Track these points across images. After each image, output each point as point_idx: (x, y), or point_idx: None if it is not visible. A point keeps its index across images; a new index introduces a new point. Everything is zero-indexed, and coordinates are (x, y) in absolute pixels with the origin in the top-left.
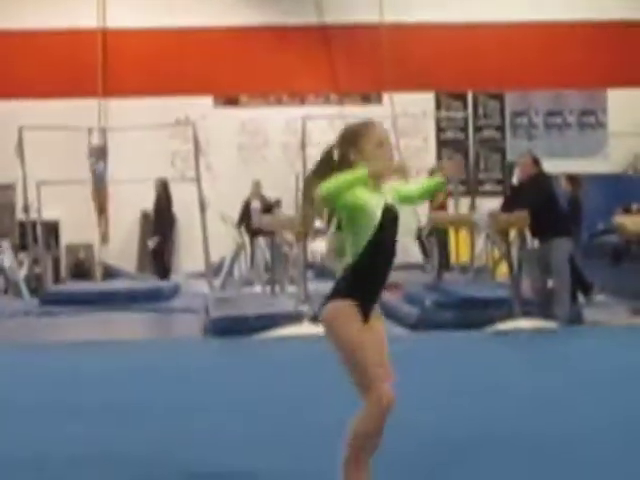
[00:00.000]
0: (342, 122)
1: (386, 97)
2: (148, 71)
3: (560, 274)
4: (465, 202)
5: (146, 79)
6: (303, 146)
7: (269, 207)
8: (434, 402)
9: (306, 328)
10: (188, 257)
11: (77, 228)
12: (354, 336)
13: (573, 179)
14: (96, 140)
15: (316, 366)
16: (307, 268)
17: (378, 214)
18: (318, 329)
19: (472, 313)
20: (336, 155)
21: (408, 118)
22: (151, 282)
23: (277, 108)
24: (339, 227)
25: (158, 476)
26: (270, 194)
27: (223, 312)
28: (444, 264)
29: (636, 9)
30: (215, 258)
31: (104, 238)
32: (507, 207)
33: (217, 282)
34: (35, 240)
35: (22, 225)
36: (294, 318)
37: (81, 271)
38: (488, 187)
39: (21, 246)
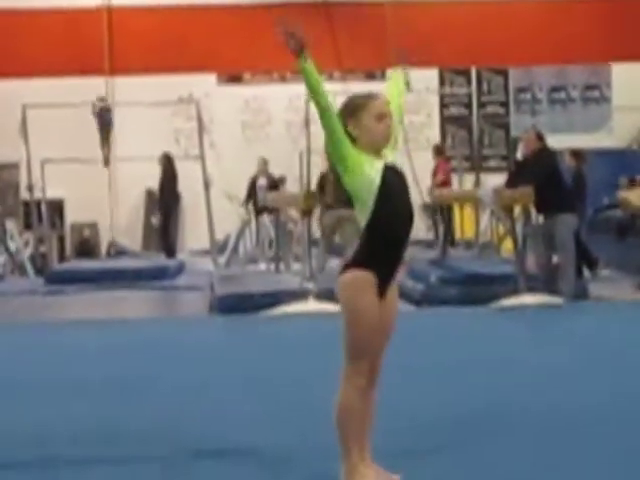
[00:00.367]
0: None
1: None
2: (151, 49)
3: (565, 249)
4: (469, 178)
5: (149, 57)
6: (307, 123)
7: (275, 184)
8: (438, 378)
9: (311, 305)
10: (193, 235)
11: (82, 207)
12: (362, 309)
13: (577, 154)
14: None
15: (321, 343)
16: (312, 245)
17: (377, 180)
18: (323, 306)
19: (477, 289)
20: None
21: (412, 94)
22: (156, 260)
23: (280, 85)
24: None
25: (163, 453)
26: (274, 172)
27: (228, 290)
28: (448, 240)
29: None
30: (220, 236)
31: (106, 161)
32: (511, 183)
33: (222, 260)
34: (40, 219)
35: (26, 204)
36: (299, 295)
37: (86, 249)
38: (492, 163)
39: (26, 225)
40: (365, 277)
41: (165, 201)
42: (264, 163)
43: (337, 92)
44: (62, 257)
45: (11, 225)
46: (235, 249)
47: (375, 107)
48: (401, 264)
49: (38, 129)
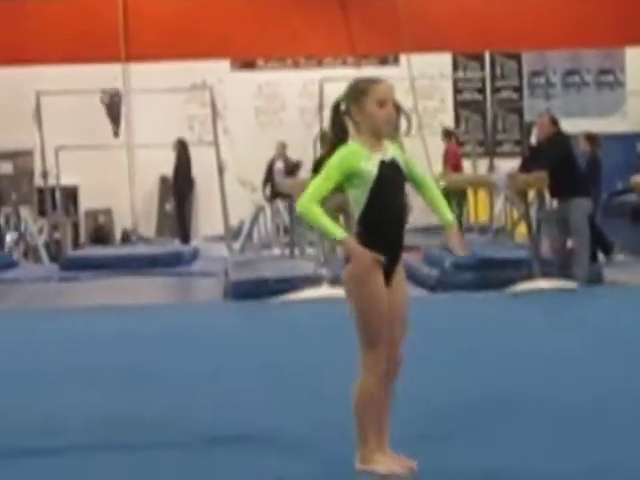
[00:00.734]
0: None
1: (403, 58)
2: (166, 35)
3: (579, 234)
4: (483, 163)
5: (163, 43)
6: (320, 109)
7: (292, 168)
8: (452, 364)
9: (325, 291)
10: (207, 221)
11: (96, 193)
12: (370, 294)
13: (592, 138)
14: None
15: (335, 329)
16: None
17: (373, 172)
18: (337, 292)
19: (491, 274)
20: (343, 108)
21: (425, 79)
22: (170, 246)
23: (294, 71)
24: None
25: (176, 440)
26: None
27: (242, 275)
28: (461, 225)
29: None
30: (234, 221)
31: (115, 134)
32: (525, 167)
33: (236, 245)
34: (54, 206)
35: (41, 191)
36: (313, 281)
37: (100, 236)
38: (506, 148)
39: (40, 212)
40: (369, 263)
41: (179, 187)
42: (282, 147)
43: (351, 78)
44: (76, 244)
45: (26, 212)
46: (249, 235)
47: (378, 91)
48: (401, 249)
49: (52, 116)
